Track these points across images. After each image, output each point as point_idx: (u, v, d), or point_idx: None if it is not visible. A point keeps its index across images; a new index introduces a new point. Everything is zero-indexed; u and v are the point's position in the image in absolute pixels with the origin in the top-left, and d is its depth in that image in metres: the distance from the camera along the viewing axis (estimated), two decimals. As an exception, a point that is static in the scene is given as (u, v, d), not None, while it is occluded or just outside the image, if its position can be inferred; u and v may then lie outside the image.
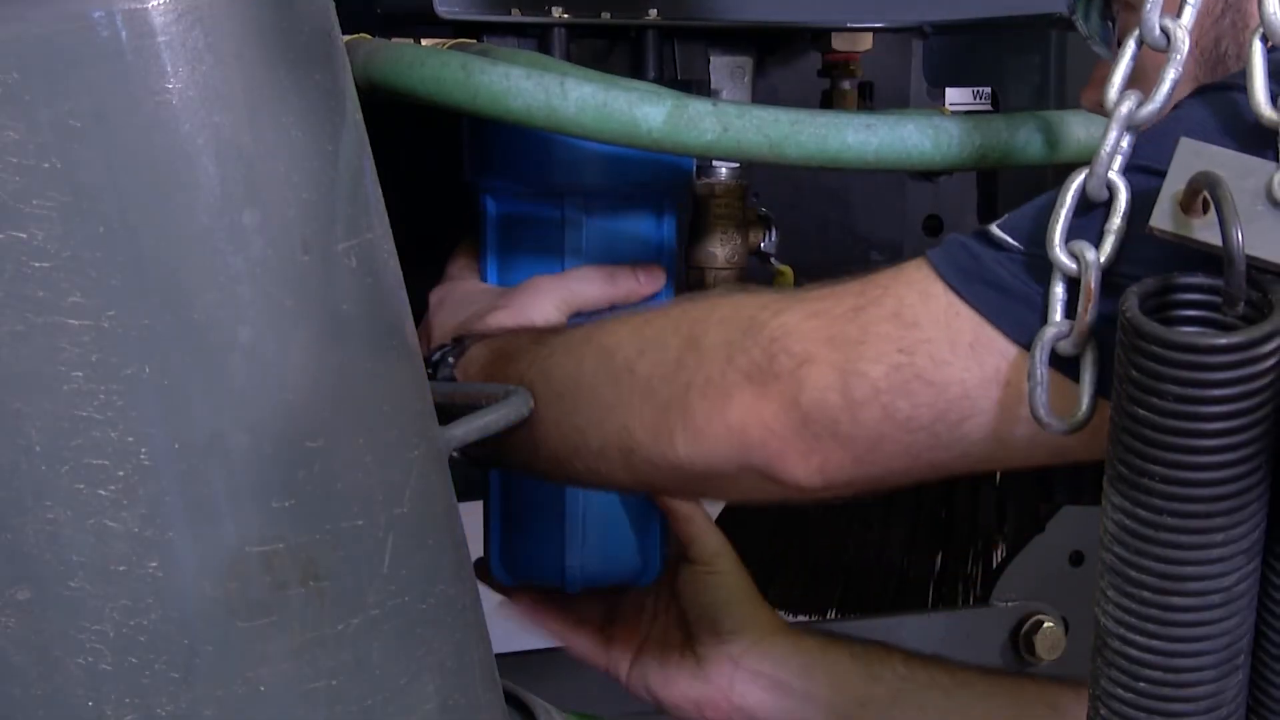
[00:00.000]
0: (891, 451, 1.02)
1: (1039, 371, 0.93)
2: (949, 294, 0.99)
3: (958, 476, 1.18)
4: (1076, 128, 1.28)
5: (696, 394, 1.06)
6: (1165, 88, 0.92)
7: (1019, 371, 0.95)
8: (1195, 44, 0.97)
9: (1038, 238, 0.95)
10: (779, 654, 1.39)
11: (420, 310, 0.94)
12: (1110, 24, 1.09)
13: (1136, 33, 0.93)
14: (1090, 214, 0.94)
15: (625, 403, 1.10)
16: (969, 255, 0.99)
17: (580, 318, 1.33)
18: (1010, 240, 0.98)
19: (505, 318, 1.30)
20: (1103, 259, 0.91)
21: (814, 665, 1.39)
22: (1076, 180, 0.93)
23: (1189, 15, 0.92)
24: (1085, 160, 1.30)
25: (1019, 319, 0.96)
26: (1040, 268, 0.95)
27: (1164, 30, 0.93)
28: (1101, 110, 1.12)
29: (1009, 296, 0.96)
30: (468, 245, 1.41)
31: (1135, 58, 0.93)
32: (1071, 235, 0.93)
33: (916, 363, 0.99)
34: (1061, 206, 0.93)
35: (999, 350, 0.97)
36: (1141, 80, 0.94)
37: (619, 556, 1.41)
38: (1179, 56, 0.92)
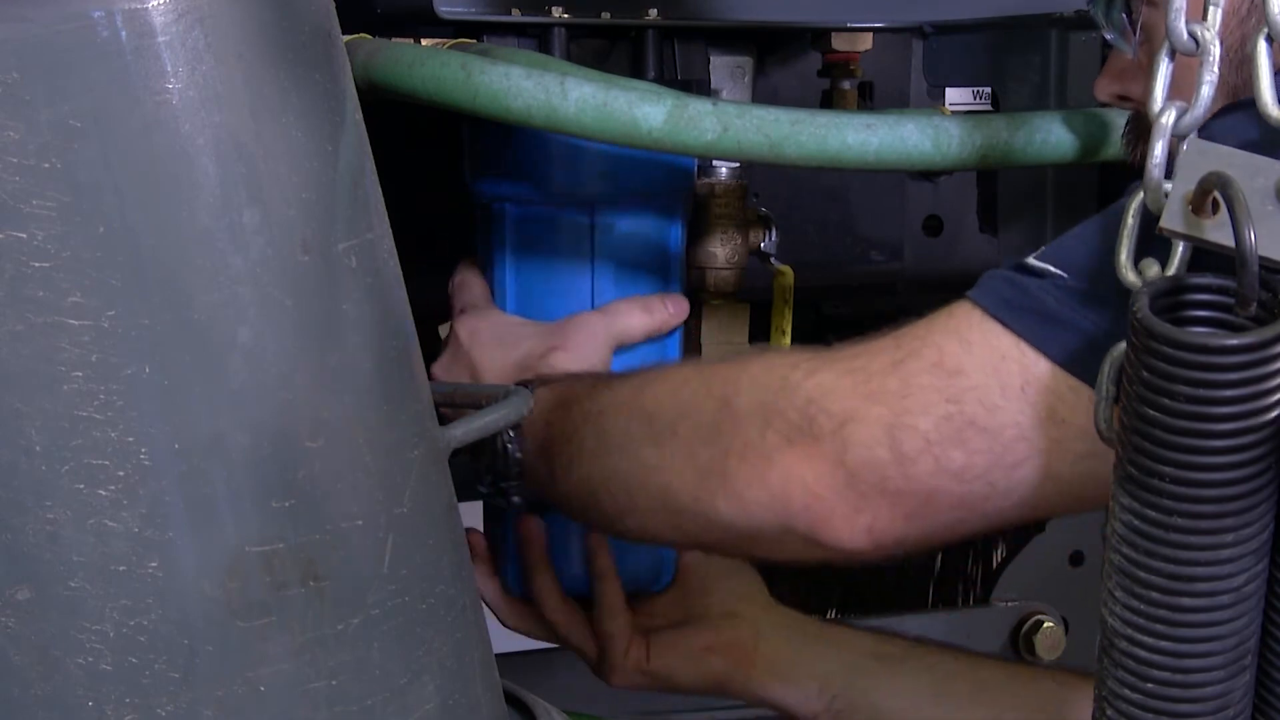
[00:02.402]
0: (945, 505, 1.00)
1: (1108, 387, 0.90)
2: (992, 336, 0.98)
3: None
4: (1078, 128, 1.28)
5: (735, 458, 1.05)
6: (1204, 93, 0.89)
7: (1073, 408, 0.94)
8: (1221, 43, 0.96)
9: (1082, 265, 0.94)
10: (798, 614, 1.40)
11: (420, 310, 0.94)
12: (1127, 17, 1.08)
13: (1168, 44, 0.92)
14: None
15: (668, 465, 1.10)
16: (1011, 286, 0.98)
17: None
18: (1052, 269, 0.96)
19: (566, 361, 1.30)
20: (1169, 273, 0.89)
21: (830, 626, 1.41)
22: (1136, 199, 0.91)
23: (1214, 17, 0.91)
24: (1088, 160, 1.30)
25: (1066, 346, 0.95)
26: (1087, 293, 0.94)
27: (1191, 35, 0.91)
28: (1121, 103, 1.11)
29: (1057, 324, 0.95)
30: (469, 268, 1.40)
31: (1169, 66, 0.91)
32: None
33: (966, 410, 0.98)
34: (1124, 226, 0.90)
35: (1051, 389, 0.96)
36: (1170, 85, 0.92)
37: (628, 565, 1.41)
38: (1211, 60, 0.90)
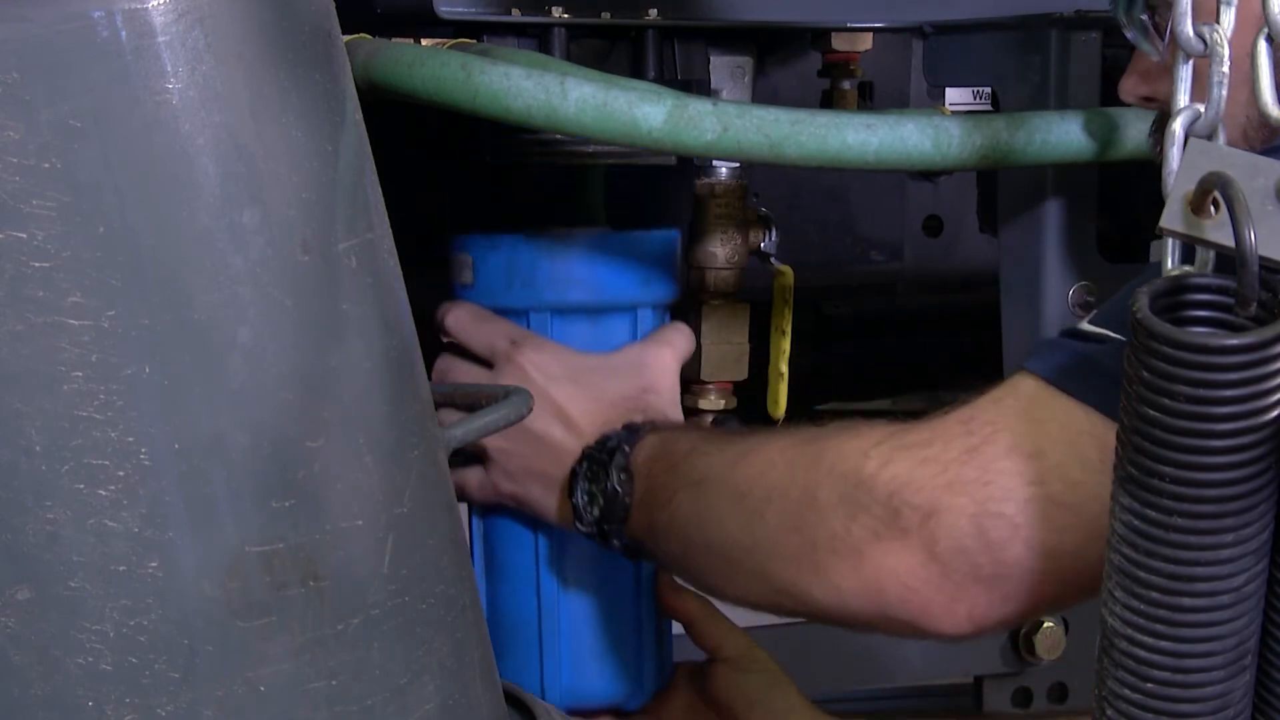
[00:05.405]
0: (1040, 583, 1.01)
1: None
2: (1061, 410, 0.98)
3: None
4: (1078, 128, 1.28)
5: (825, 550, 1.06)
6: (1216, 95, 0.87)
7: None
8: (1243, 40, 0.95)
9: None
10: None
11: (420, 311, 0.94)
12: (1149, 17, 1.07)
13: (1179, 48, 0.91)
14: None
15: (761, 548, 1.11)
16: (1070, 355, 0.99)
17: None
18: (1110, 334, 0.97)
19: (660, 403, 1.30)
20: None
21: None
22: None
23: (1227, 19, 0.90)
24: (1088, 160, 1.30)
25: None
26: None
27: (1199, 36, 0.90)
28: (1147, 104, 1.10)
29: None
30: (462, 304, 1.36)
31: (1186, 69, 0.90)
32: None
33: (1050, 490, 0.99)
34: (1165, 246, 0.90)
35: None
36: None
37: (603, 678, 1.38)
38: (1221, 61, 0.89)
